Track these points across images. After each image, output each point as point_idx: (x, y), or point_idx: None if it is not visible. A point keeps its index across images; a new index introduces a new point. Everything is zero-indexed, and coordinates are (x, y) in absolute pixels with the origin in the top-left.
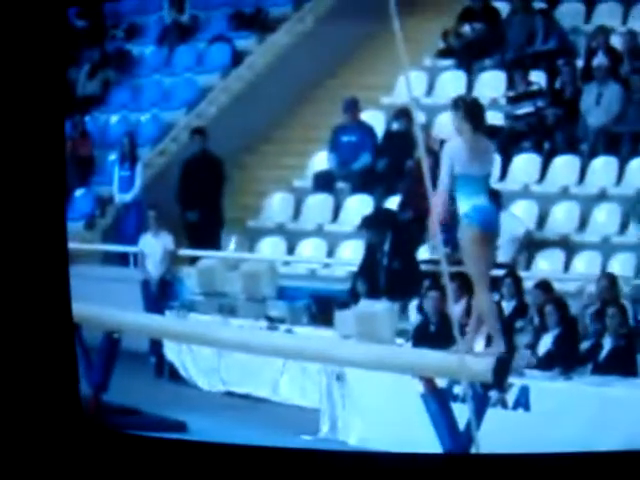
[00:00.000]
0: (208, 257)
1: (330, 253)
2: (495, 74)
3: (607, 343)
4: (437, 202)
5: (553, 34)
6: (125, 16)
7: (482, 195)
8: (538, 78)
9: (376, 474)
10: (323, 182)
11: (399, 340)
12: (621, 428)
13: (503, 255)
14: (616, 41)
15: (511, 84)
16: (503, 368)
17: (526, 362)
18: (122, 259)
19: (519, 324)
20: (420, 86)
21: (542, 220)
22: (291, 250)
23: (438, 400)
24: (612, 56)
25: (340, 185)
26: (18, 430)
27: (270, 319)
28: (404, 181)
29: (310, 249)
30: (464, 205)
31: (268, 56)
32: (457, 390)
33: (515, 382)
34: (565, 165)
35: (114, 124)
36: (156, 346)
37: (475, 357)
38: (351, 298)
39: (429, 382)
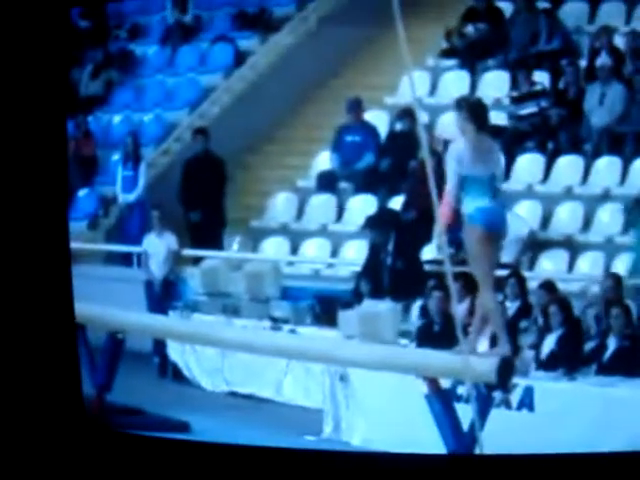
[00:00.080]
0: (212, 257)
1: (334, 253)
2: (498, 74)
3: (611, 343)
4: (443, 202)
5: (557, 34)
6: (128, 16)
7: (487, 196)
8: (541, 78)
9: (379, 475)
10: (326, 182)
11: (403, 341)
12: (625, 428)
13: (507, 255)
14: (620, 41)
15: (514, 84)
16: (507, 369)
17: (531, 366)
18: (125, 259)
19: (523, 324)
20: (423, 86)
21: (546, 220)
22: (295, 250)
23: (442, 400)
24: (615, 56)
25: (343, 185)
26: (21, 430)
27: (274, 319)
28: (407, 181)
29: (314, 249)
30: (468, 206)
31: (271, 56)
32: (461, 390)
33: (519, 382)
34: (569, 165)
35: (117, 124)
36: (160, 346)
37: (479, 357)
38: (355, 298)
39: (433, 382)
